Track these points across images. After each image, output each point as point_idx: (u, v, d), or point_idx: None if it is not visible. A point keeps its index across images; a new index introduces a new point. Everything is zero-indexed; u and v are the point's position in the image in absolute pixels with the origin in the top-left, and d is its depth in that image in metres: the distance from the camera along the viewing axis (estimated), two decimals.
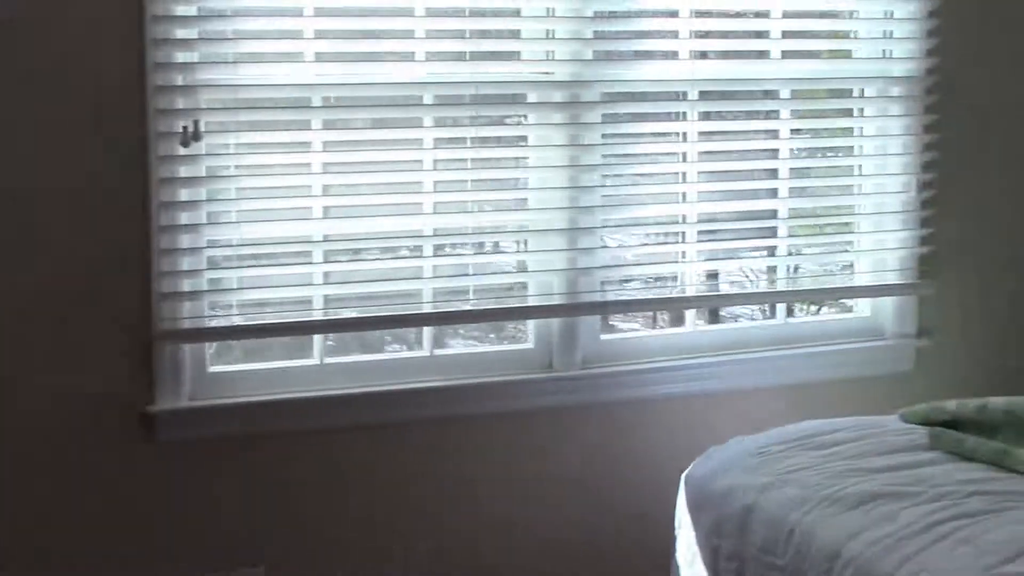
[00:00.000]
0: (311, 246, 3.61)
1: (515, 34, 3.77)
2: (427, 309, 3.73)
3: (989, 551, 2.77)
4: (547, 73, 3.78)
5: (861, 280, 4.20)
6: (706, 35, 3.89)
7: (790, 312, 4.21)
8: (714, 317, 4.36)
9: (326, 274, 3.64)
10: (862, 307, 4.26)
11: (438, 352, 3.80)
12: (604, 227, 3.88)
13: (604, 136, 3.84)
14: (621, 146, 3.89)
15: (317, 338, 3.67)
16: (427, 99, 3.67)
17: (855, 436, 3.48)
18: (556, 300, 3.83)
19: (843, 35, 4.12)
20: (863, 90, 4.11)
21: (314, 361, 3.69)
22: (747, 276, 4.31)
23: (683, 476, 3.52)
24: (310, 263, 3.62)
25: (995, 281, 4.32)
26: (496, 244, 3.92)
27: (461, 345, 4.02)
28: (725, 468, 3.40)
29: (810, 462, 3.33)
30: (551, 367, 3.88)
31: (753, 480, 3.29)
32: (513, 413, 3.83)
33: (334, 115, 3.64)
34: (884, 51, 4.06)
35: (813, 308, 4.37)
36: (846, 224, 4.18)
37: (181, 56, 3.44)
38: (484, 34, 3.67)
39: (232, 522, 3.62)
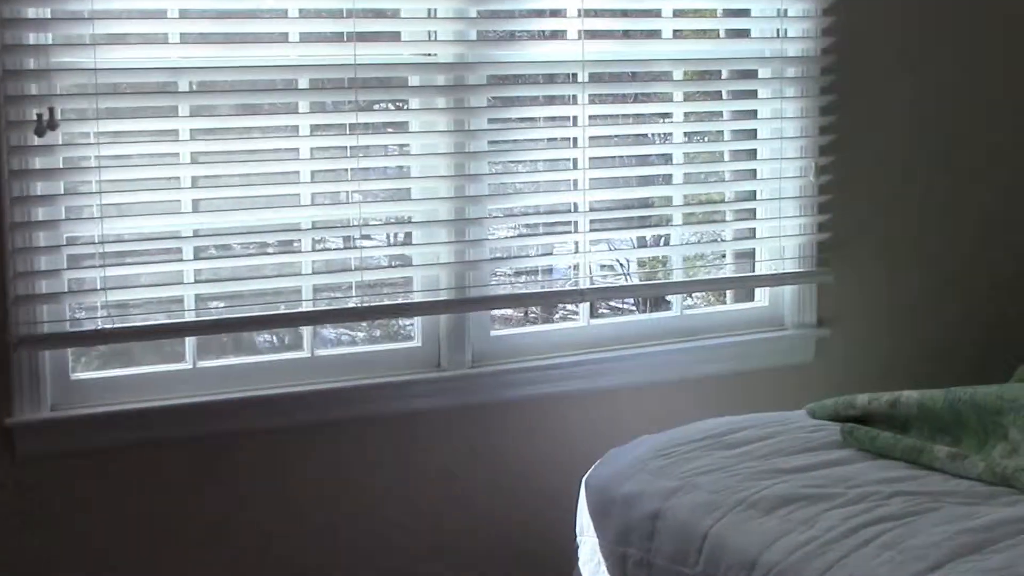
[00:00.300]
0: (180, 242, 3.37)
1: (395, 13, 3.55)
2: (307, 307, 3.50)
3: (915, 556, 2.62)
4: (429, 55, 3.58)
5: (759, 269, 4.05)
6: (595, 14, 3.70)
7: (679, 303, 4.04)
8: (610, 310, 4.17)
9: (197, 272, 3.39)
10: (761, 296, 4.12)
11: (319, 352, 3.58)
12: (492, 217, 3.68)
13: (491, 121, 3.65)
14: (509, 132, 3.70)
15: (189, 340, 3.43)
16: (302, 83, 3.45)
17: (764, 434, 3.32)
18: (443, 295, 3.62)
19: (737, 14, 3.96)
20: (757, 71, 3.96)
21: (186, 365, 3.45)
22: (642, 267, 4.15)
23: (584, 480, 3.34)
24: (180, 260, 3.37)
25: (896, 267, 4.20)
26: (380, 237, 3.69)
27: (344, 344, 3.79)
28: (628, 471, 3.23)
29: (718, 463, 3.17)
30: (440, 366, 3.68)
31: (659, 484, 3.11)
32: (400, 415, 3.62)
33: (202, 101, 3.39)
34: (779, 30, 3.91)
35: (710, 298, 4.20)
36: (743, 211, 4.03)
37: (33, 37, 3.17)
38: (362, 13, 3.44)
39: (100, 539, 3.36)
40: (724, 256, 4.11)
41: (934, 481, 3.01)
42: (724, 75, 3.97)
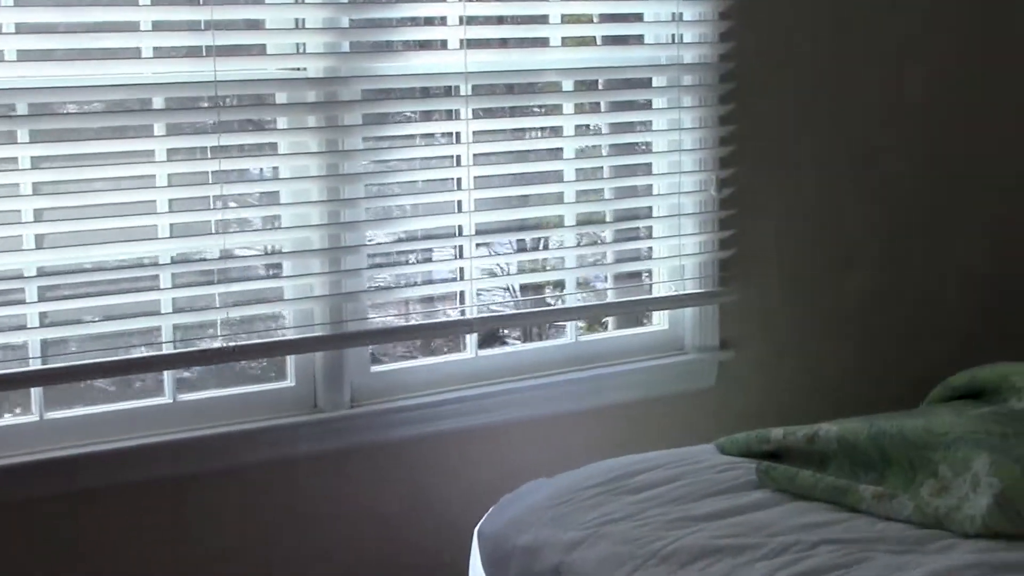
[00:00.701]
0: (23, 282, 3.02)
1: (259, 24, 3.24)
2: (167, 349, 3.18)
3: None
4: (298, 69, 3.26)
5: (657, 290, 3.79)
6: (478, 21, 3.42)
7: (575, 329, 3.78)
8: (496, 340, 3.89)
9: (43, 315, 3.06)
10: (660, 320, 3.86)
11: (182, 398, 3.26)
12: (370, 245, 3.38)
13: (367, 140, 3.35)
14: (387, 151, 3.40)
15: (35, 391, 3.09)
16: (157, 103, 3.12)
17: (672, 475, 3.07)
18: (318, 331, 3.31)
19: (630, 19, 3.70)
20: (652, 80, 3.71)
21: (32, 418, 3.10)
22: (533, 292, 3.88)
23: (476, 529, 3.06)
24: (23, 303, 3.02)
25: (801, 286, 3.97)
26: (246, 269, 3.37)
27: (209, 388, 3.46)
28: (524, 520, 2.95)
29: (624, 510, 2.90)
30: (316, 407, 3.38)
31: (559, 535, 2.84)
32: (273, 463, 3.31)
33: (44, 125, 3.04)
34: (674, 35, 3.66)
35: (604, 323, 3.94)
36: (640, 229, 3.77)
37: None
38: (223, 25, 3.12)
39: None
40: (646, 275, 3.82)
41: (861, 525, 2.78)
42: (616, 84, 3.70)
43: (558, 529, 2.86)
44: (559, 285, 3.70)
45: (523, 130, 3.66)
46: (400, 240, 3.49)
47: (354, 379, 3.40)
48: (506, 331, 3.92)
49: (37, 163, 3.02)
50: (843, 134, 3.97)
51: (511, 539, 2.92)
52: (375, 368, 3.48)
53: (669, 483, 3.02)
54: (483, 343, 3.64)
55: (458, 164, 3.45)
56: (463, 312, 3.52)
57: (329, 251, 3.29)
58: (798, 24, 3.85)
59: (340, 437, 3.37)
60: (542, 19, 3.56)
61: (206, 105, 3.13)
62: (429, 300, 3.63)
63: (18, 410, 3.17)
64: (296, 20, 3.24)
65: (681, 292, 3.78)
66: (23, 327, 3.03)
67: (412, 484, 3.47)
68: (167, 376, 3.24)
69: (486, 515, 3.09)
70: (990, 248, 4.24)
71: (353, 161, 3.31)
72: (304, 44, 3.26)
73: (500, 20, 3.56)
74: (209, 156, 3.13)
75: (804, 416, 3.47)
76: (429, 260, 3.66)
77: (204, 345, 3.20)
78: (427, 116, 3.50)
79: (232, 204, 3.22)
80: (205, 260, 3.20)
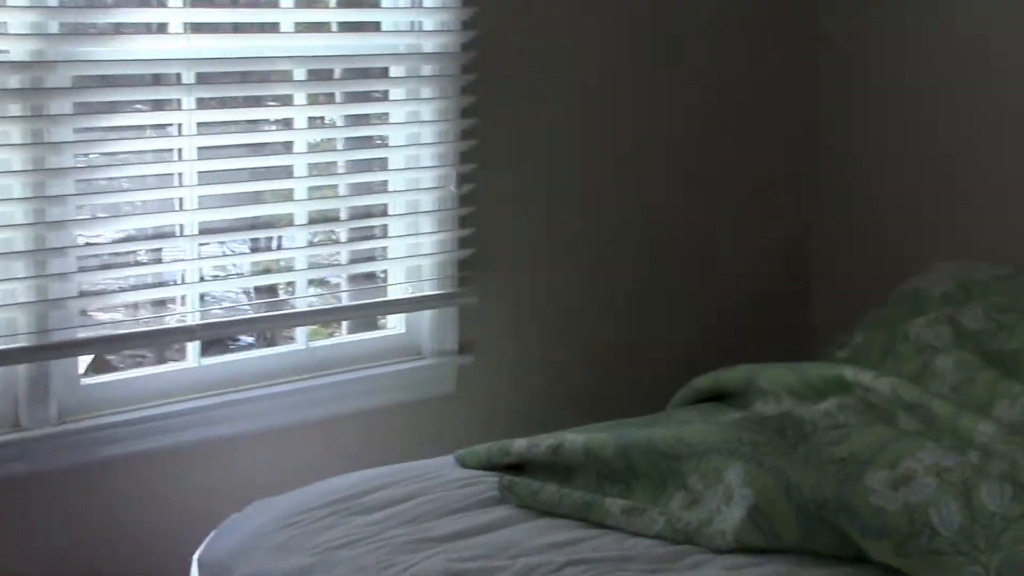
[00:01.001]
0: None
1: None
2: None
3: None
4: None
5: (394, 292, 3.60)
6: (203, 3, 3.17)
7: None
8: (219, 347, 3.63)
9: None
10: (396, 323, 3.67)
11: None
12: (80, 246, 3.09)
13: (77, 131, 3.06)
14: (100, 144, 3.11)
15: None
16: None
17: (409, 492, 2.87)
18: (21, 341, 3.01)
19: (367, 4, 3.50)
20: (389, 69, 3.51)
21: None
22: (262, 295, 3.64)
23: (195, 558, 2.80)
24: None
25: (545, 286, 3.82)
26: None
27: None
28: (247, 547, 2.72)
29: (358, 532, 2.70)
30: (18, 425, 3.06)
31: (286, 562, 2.62)
32: None
33: None
34: (413, 23, 3.46)
35: (338, 327, 3.72)
36: (376, 228, 3.57)
37: None
38: None
39: None
40: (382, 276, 3.63)
41: (609, 543, 2.64)
42: (352, 74, 3.49)
43: (284, 555, 2.64)
44: (293, 287, 3.47)
45: (254, 122, 3.42)
46: (116, 241, 3.21)
47: (62, 393, 3.10)
48: (243, 337, 3.67)
49: None
50: (590, 130, 3.83)
51: (233, 568, 2.68)
52: (86, 381, 3.18)
53: (406, 500, 2.82)
54: (213, 350, 3.38)
55: (180, 158, 3.19)
56: (183, 318, 3.25)
57: (34, 253, 2.99)
58: (545, 12, 3.69)
59: (46, 457, 3.07)
60: (273, 2, 3.33)
61: None
62: (159, 304, 3.36)
63: None
64: None
65: (418, 294, 3.59)
66: None
67: (127, 507, 3.19)
68: None
69: (206, 541, 2.84)
70: (740, 250, 4.17)
71: (61, 154, 3.01)
72: (5, 23, 2.95)
73: (228, 3, 3.31)
74: None
75: (549, 424, 3.33)
76: (159, 262, 3.38)
77: None
78: (159, 106, 3.22)
79: None
80: None
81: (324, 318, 3.54)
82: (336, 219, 3.51)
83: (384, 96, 3.52)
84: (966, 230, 3.94)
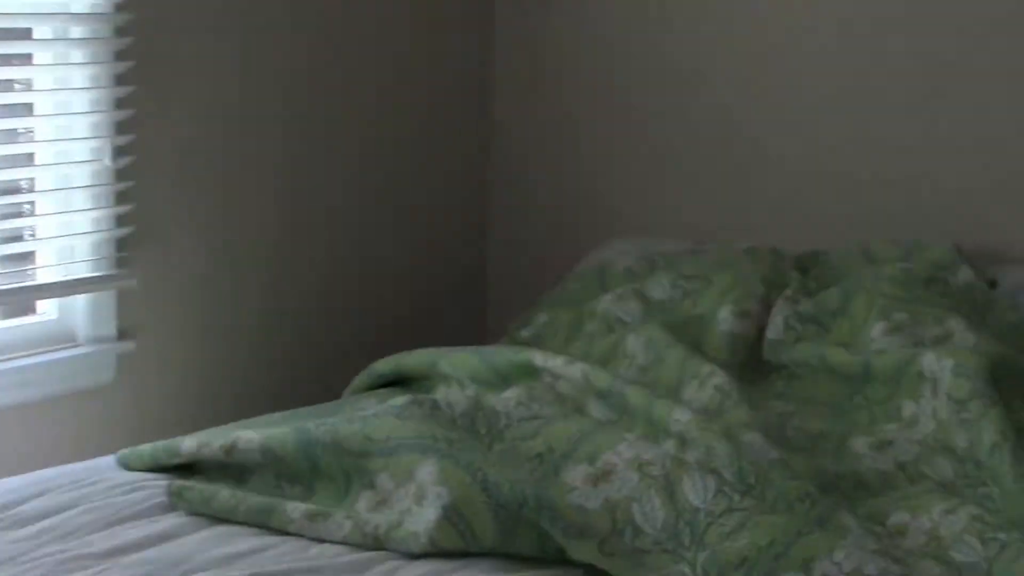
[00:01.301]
0: None
1: None
2: None
3: None
4: None
5: (44, 275, 3.28)
6: None
7: None
8: None
9: None
10: (48, 308, 3.36)
11: None
12: None
13: None
14: None
15: None
16: None
17: (66, 500, 2.59)
18: None
19: None
20: (32, 30, 3.20)
21: None
22: None
23: None
24: None
25: (213, 268, 3.55)
26: None
27: None
28: None
29: (9, 550, 2.40)
30: None
31: None
32: None
33: None
34: None
35: None
36: (23, 205, 3.26)
37: None
38: None
39: None
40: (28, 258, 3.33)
41: (292, 551, 2.42)
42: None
43: None
44: None
45: None
46: None
47: None
48: None
49: None
50: (263, 99, 3.59)
51: None
52: None
53: (65, 510, 2.53)
54: None
55: None
56: None
57: None
58: None
59: None
60: None
61: None
62: None
63: None
64: None
65: (72, 276, 3.30)
66: None
67: None
68: None
69: None
70: (416, 238, 4.00)
71: None
72: None
73: None
74: None
75: (221, 417, 3.10)
76: None
77: None
78: None
79: None
80: None
81: None
82: None
83: (28, 60, 3.21)
84: (639, 211, 3.96)
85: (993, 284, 3.31)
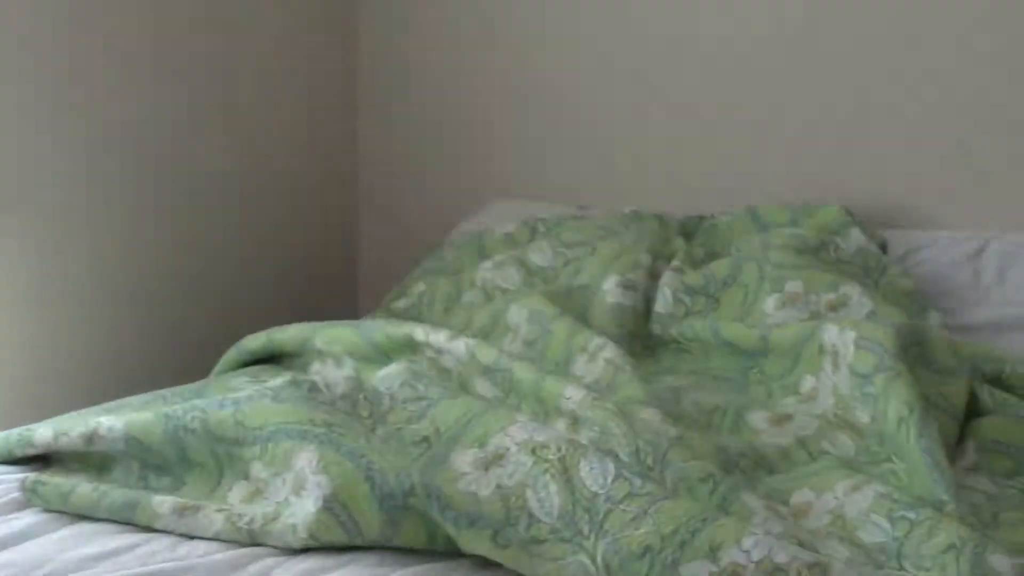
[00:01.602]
0: None
1: None
2: None
3: None
4: None
5: None
6: None
7: None
8: None
9: None
10: None
11: None
12: None
13: None
14: None
15: None
16: None
17: None
18: None
19: None
20: None
21: None
22: None
23: None
24: None
25: (75, 238, 3.31)
26: None
27: None
28: None
29: None
30: None
31: None
32: None
33: None
34: None
35: None
36: None
37: None
38: None
39: None
40: None
41: (161, 549, 2.22)
42: None
43: None
44: None
45: None
46: None
47: None
48: None
49: None
50: (107, 91, 3.36)
51: None
52: None
53: None
54: None
55: None
56: None
57: None
58: None
59: None
60: None
61: None
62: None
63: None
64: None
65: None
66: None
67: None
68: None
69: None
70: (264, 202, 3.81)
71: None
72: None
73: None
74: None
75: (81, 399, 2.92)
76: None
77: None
78: None
79: None
80: None
81: None
82: None
83: None
84: (516, 174, 3.84)
85: (884, 247, 3.22)
